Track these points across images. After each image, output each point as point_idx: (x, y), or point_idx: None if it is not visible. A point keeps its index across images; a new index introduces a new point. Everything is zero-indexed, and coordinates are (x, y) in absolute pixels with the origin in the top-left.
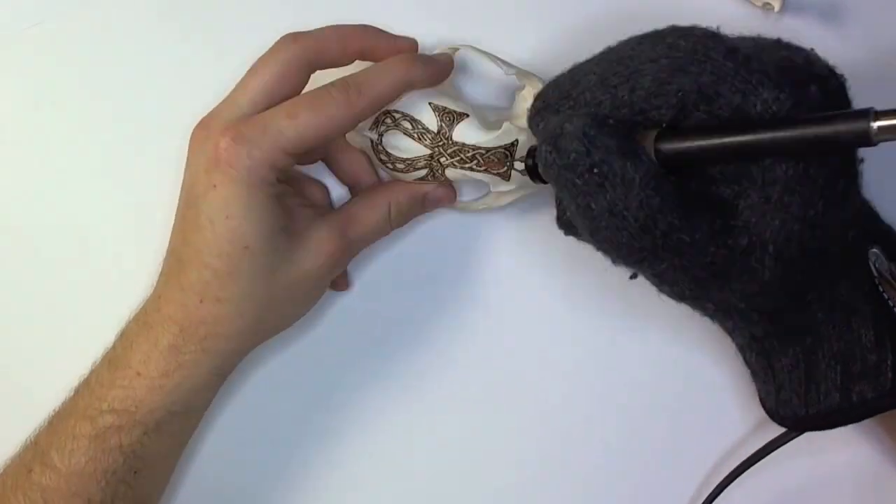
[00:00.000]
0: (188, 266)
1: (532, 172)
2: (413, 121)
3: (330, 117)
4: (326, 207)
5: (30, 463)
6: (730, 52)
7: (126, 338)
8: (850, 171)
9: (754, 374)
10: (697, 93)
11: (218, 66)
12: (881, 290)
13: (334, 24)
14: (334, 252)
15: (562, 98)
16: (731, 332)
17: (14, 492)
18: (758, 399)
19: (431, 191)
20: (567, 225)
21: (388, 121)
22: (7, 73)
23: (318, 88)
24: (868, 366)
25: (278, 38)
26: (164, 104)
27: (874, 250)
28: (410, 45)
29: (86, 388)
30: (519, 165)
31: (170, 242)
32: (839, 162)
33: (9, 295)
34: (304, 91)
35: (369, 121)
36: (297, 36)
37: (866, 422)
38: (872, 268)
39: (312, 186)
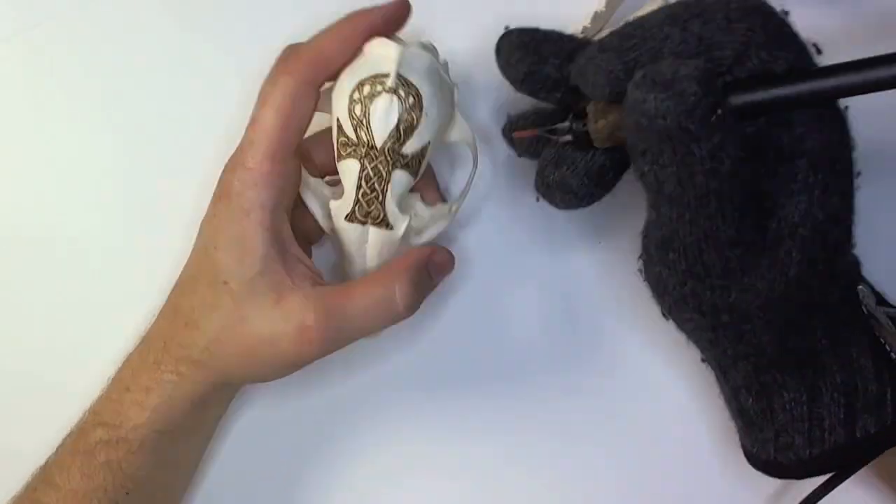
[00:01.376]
0: (186, 289)
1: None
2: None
3: (278, 96)
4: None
5: (35, 481)
6: (787, 20)
7: (128, 354)
8: (851, 175)
9: (749, 425)
10: (765, 34)
11: (219, 66)
12: (872, 326)
13: (324, 29)
14: (311, 327)
15: (624, 39)
16: (729, 369)
17: None
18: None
19: (432, 257)
20: (549, 188)
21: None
22: (7, 74)
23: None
24: (870, 399)
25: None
26: (165, 104)
27: (861, 287)
28: (401, 3)
29: (93, 403)
30: None
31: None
32: (849, 162)
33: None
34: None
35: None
36: (297, 54)
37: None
38: (862, 304)
39: (308, 219)
